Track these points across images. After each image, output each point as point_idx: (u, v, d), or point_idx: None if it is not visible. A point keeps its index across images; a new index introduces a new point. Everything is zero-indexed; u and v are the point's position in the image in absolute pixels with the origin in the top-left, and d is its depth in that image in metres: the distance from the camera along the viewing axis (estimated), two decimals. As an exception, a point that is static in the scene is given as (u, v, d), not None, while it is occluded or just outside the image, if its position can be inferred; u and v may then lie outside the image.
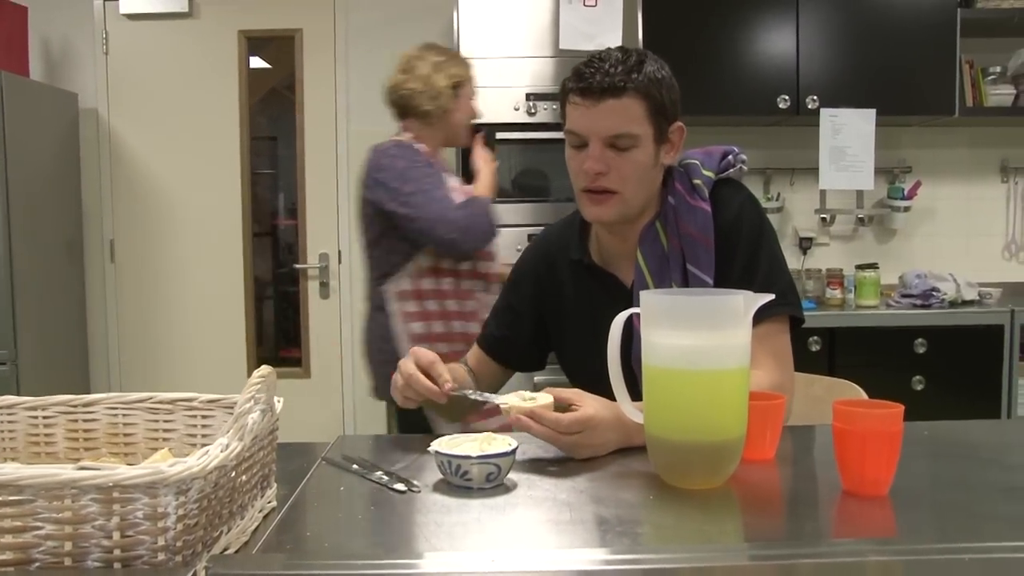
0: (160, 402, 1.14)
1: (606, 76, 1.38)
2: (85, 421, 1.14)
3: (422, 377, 1.32)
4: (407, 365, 1.34)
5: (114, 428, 1.14)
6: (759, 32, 3.51)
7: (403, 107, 2.38)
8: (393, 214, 2.21)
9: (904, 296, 3.52)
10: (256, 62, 4.00)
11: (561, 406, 1.24)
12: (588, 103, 1.40)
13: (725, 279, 1.45)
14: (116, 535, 0.78)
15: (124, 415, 1.14)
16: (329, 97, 3.91)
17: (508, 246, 3.29)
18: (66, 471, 0.76)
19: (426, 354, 1.35)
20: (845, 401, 1.09)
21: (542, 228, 1.77)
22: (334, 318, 3.99)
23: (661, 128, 1.44)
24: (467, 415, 1.66)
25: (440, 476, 1.14)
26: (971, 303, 3.49)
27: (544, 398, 1.24)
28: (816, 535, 1.00)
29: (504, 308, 1.69)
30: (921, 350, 3.28)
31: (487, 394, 1.36)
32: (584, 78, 1.40)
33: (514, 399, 1.25)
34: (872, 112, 3.39)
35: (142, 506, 0.78)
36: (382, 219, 2.26)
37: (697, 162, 1.52)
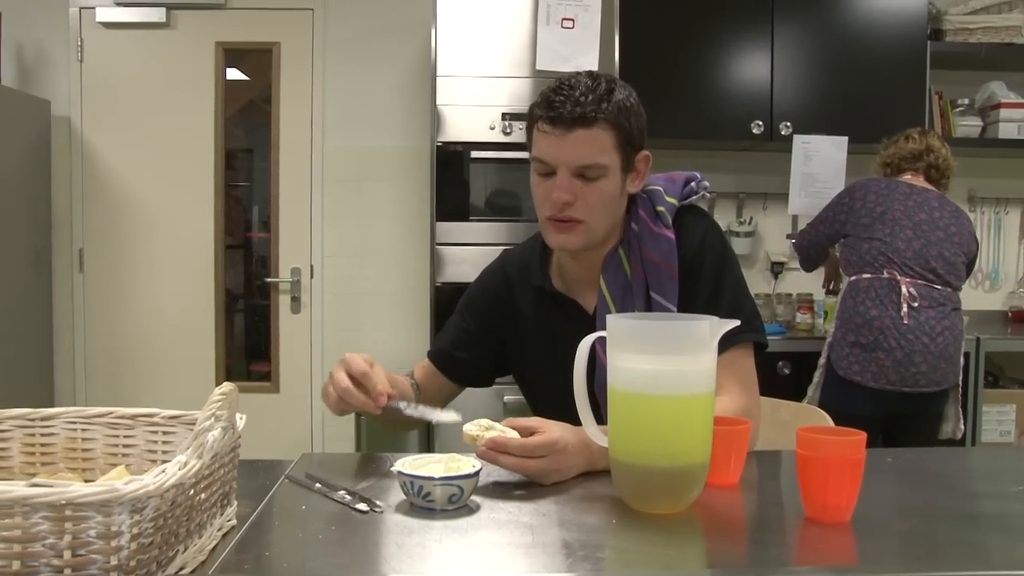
0: (120, 417, 1.12)
1: (577, 105, 1.37)
2: (43, 436, 1.12)
3: (356, 391, 1.32)
4: (341, 378, 1.33)
5: (72, 443, 1.12)
6: (735, 58, 3.55)
7: (943, 172, 3.00)
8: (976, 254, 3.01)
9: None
10: (233, 74, 3.98)
11: (524, 435, 1.22)
12: (558, 132, 1.38)
13: (689, 307, 1.45)
14: (67, 554, 0.76)
15: (83, 430, 1.12)
16: (305, 111, 3.90)
17: (480, 265, 3.28)
18: (16, 488, 0.74)
19: (358, 364, 1.34)
20: (809, 428, 1.09)
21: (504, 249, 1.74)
22: (305, 333, 3.96)
23: (628, 157, 1.44)
24: (403, 427, 1.63)
25: (403, 496, 1.14)
26: (938, 330, 3.52)
27: (505, 430, 1.22)
28: (778, 562, 1.00)
29: (459, 328, 1.66)
30: (888, 376, 3.30)
31: (422, 407, 1.36)
32: (555, 107, 1.38)
33: (474, 428, 1.23)
34: (844, 140, 3.44)
35: (95, 524, 0.77)
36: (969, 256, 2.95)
37: (660, 188, 1.52)
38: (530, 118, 1.44)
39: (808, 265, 3.24)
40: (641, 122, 1.45)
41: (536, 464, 1.19)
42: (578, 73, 1.43)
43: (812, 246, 3.12)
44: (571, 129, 1.38)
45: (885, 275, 2.76)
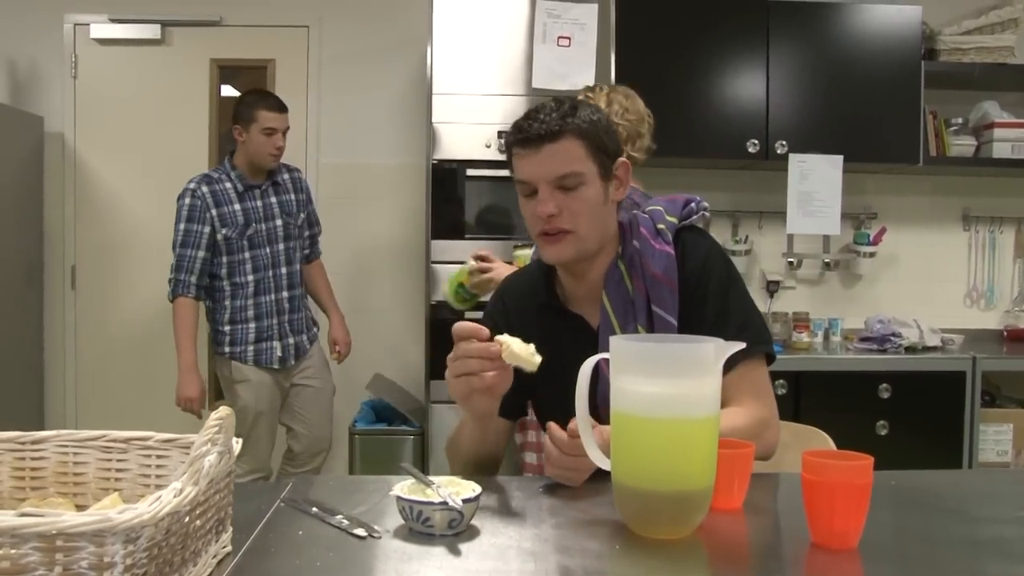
0: (113, 440, 1.10)
1: (542, 124, 1.44)
2: (33, 459, 1.09)
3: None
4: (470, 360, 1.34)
5: (64, 467, 1.09)
6: (730, 78, 3.56)
7: None
8: None
9: (863, 340, 3.55)
10: (228, 91, 3.97)
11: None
12: (530, 151, 1.45)
13: (697, 325, 1.45)
14: (58, 585, 0.74)
15: (75, 453, 1.10)
16: (300, 129, 3.88)
17: (477, 283, 3.27)
18: (6, 518, 0.72)
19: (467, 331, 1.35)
20: (815, 452, 1.08)
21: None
22: (299, 351, 3.92)
23: (604, 165, 1.48)
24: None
25: (402, 521, 1.11)
26: (934, 349, 3.52)
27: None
28: (784, 589, 0.98)
29: None
30: (885, 395, 3.29)
31: None
32: (523, 130, 1.46)
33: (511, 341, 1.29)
34: (839, 159, 3.45)
35: (87, 555, 0.74)
36: None
37: (661, 208, 1.57)
38: (507, 147, 1.52)
39: None
40: (611, 132, 1.51)
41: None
42: (545, 100, 1.50)
43: None
44: (541, 145, 1.44)
45: None
